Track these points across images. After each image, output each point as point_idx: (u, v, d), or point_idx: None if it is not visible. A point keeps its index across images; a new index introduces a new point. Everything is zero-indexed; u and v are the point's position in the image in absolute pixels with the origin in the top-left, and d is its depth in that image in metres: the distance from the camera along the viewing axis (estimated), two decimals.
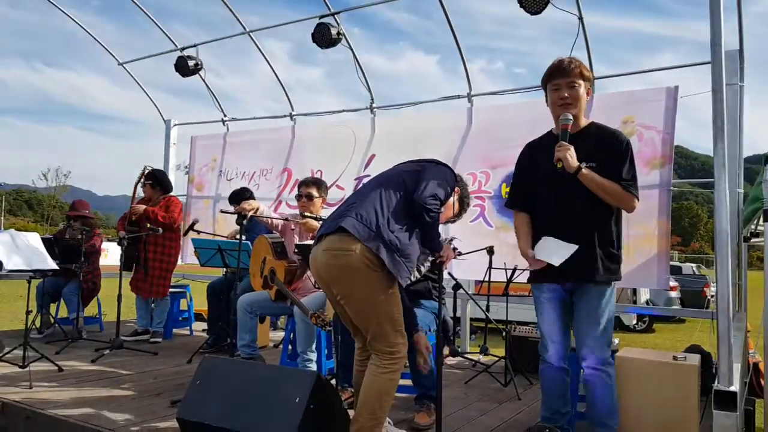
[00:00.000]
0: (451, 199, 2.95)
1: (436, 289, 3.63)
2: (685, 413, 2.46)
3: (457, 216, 3.17)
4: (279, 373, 2.71)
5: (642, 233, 4.67)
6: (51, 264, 4.05)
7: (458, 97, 5.68)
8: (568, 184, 2.53)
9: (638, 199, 2.58)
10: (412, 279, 2.70)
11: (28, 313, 4.04)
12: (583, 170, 2.49)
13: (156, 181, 5.42)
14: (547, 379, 2.69)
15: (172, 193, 5.63)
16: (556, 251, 2.50)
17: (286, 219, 4.09)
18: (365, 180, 5.84)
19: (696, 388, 2.56)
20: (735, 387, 1.64)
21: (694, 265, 19.15)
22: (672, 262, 19.33)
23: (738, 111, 4.33)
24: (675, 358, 2.67)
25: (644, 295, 11.96)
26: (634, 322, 12.18)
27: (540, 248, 2.58)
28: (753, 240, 4.88)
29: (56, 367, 3.95)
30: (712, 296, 10.75)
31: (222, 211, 4.27)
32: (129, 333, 5.38)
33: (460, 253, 3.94)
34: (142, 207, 5.23)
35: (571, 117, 2.57)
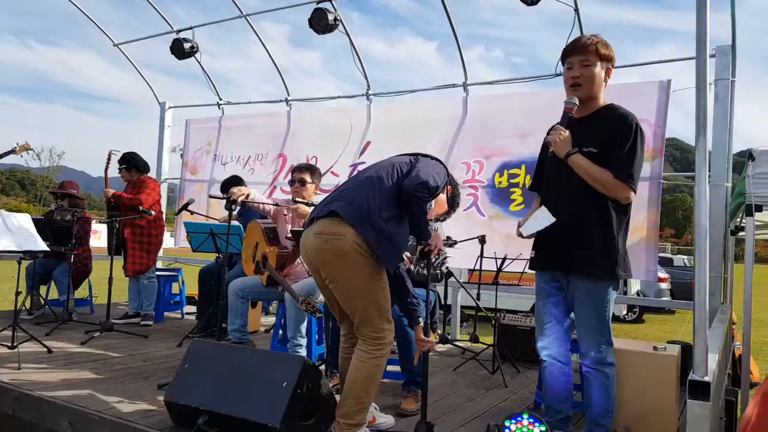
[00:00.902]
0: (443, 196, 2.99)
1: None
2: (663, 402, 2.50)
3: (447, 214, 3.21)
4: (267, 357, 2.74)
5: (631, 225, 4.67)
6: (42, 245, 4.04)
7: (454, 86, 5.68)
8: (569, 170, 2.42)
9: (634, 190, 2.37)
10: (401, 267, 2.71)
11: (17, 294, 4.05)
12: (573, 156, 2.38)
13: (129, 163, 5.40)
14: (544, 373, 2.61)
15: (151, 175, 5.63)
16: (537, 222, 2.45)
17: (277, 204, 4.09)
18: (360, 167, 5.85)
19: (675, 379, 2.60)
20: (709, 377, 1.67)
21: (685, 257, 19.25)
22: (664, 254, 19.52)
23: (729, 105, 4.34)
24: (655, 348, 2.71)
25: (635, 286, 12.04)
26: (624, 312, 12.27)
27: (529, 220, 2.55)
28: (740, 234, 4.92)
29: (45, 349, 3.96)
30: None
31: (211, 196, 4.27)
32: (120, 316, 5.39)
33: (453, 243, 3.97)
34: (111, 191, 5.22)
35: (576, 101, 2.46)
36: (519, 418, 2.38)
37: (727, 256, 4.44)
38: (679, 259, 17.95)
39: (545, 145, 2.62)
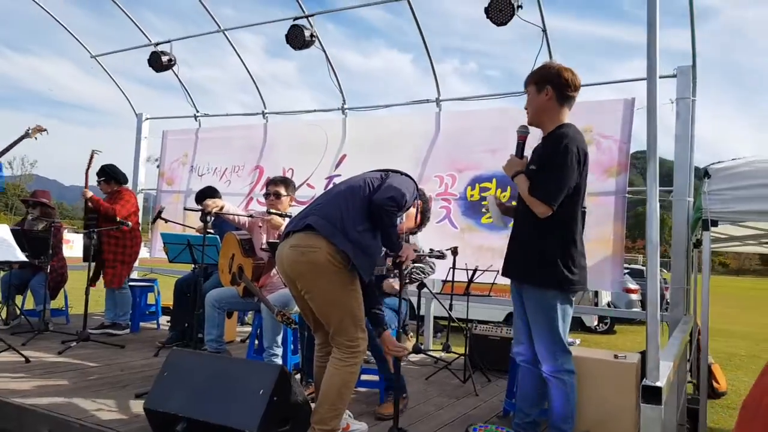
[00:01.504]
0: (413, 210, 3.13)
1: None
2: (623, 408, 2.64)
3: (418, 228, 3.35)
4: (244, 365, 2.84)
5: (598, 237, 4.89)
6: (20, 256, 4.09)
7: (427, 101, 5.85)
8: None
9: (548, 205, 2.45)
10: (374, 276, 2.83)
11: None
12: (516, 177, 2.60)
13: (108, 176, 5.44)
14: (518, 375, 2.74)
15: (128, 186, 5.69)
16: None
17: (251, 216, 4.18)
18: (336, 179, 5.97)
19: (634, 386, 2.75)
20: (661, 383, 1.81)
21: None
22: (635, 266, 19.89)
23: (690, 123, 4.55)
24: (616, 356, 2.86)
25: (605, 297, 12.29)
26: (596, 323, 12.50)
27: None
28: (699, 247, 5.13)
29: (23, 358, 3.99)
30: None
31: (186, 209, 4.36)
32: (96, 326, 5.40)
33: (427, 256, 4.09)
34: (90, 192, 5.25)
35: (526, 128, 2.67)
36: (483, 427, 2.50)
37: (689, 269, 4.63)
38: None
39: None
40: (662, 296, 4.77)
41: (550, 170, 2.47)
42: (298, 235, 2.53)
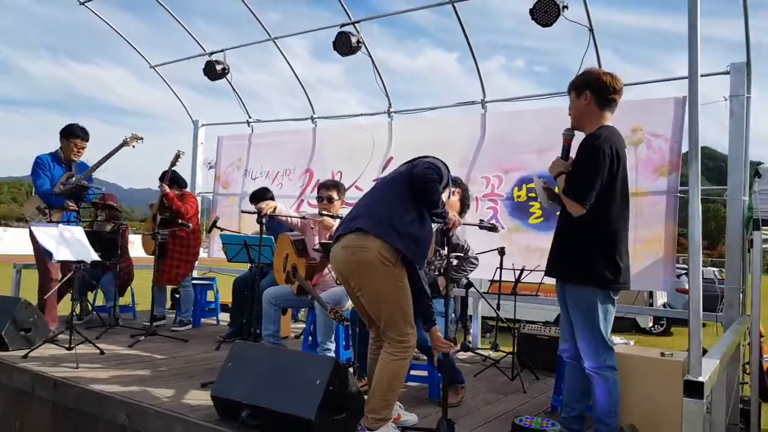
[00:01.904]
0: (455, 198, 3.26)
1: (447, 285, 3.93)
2: (669, 405, 2.67)
3: (460, 214, 3.45)
4: (302, 358, 3.03)
5: (649, 237, 4.87)
6: (94, 256, 4.41)
7: (473, 102, 5.93)
8: None
9: (580, 204, 2.53)
10: (430, 269, 2.98)
11: (73, 300, 4.41)
12: (556, 180, 2.70)
13: (171, 180, 5.75)
14: (565, 372, 2.83)
15: (188, 189, 6.03)
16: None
17: (303, 217, 4.38)
18: None
19: (680, 383, 2.77)
20: (703, 378, 1.88)
21: (716, 269, 19.02)
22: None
23: (744, 121, 4.49)
24: (662, 354, 2.90)
25: (661, 298, 12.01)
26: (651, 324, 12.26)
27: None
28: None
29: (98, 350, 4.30)
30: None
31: (242, 211, 4.61)
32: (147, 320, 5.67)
33: (488, 225, 4.10)
34: (167, 188, 5.59)
35: (571, 132, 2.76)
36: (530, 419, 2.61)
37: (744, 269, 4.56)
38: (709, 272, 17.67)
39: None
40: (721, 297, 4.70)
41: (580, 170, 2.57)
42: (350, 237, 2.70)
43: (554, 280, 2.86)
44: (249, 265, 5.25)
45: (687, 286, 8.21)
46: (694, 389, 1.86)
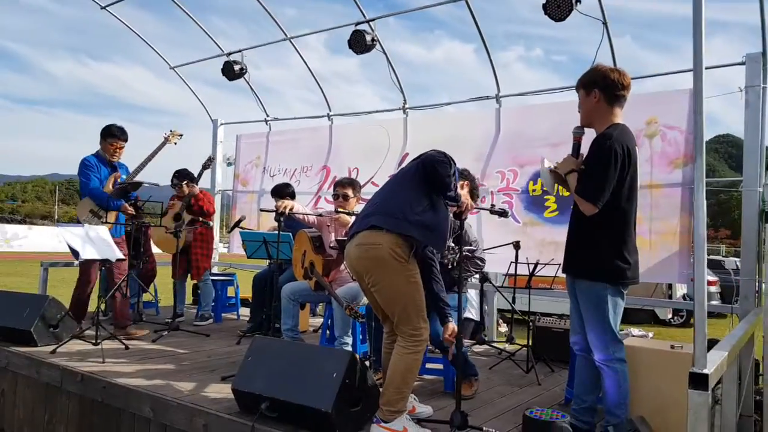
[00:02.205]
0: (464, 190, 3.33)
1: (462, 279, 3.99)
2: (678, 397, 2.70)
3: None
4: (319, 351, 3.11)
5: (664, 229, 4.89)
6: (118, 254, 4.55)
7: (487, 97, 5.96)
8: None
9: (592, 203, 2.57)
10: (447, 258, 3.06)
11: (99, 297, 4.56)
12: (568, 175, 2.72)
13: (189, 178, 5.88)
14: (575, 364, 2.89)
15: (206, 185, 6.23)
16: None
17: (320, 215, 4.48)
18: None
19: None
20: (708, 370, 1.92)
21: (737, 259, 18.74)
22: (714, 257, 19.08)
23: (760, 112, 4.47)
24: (672, 347, 2.93)
25: (681, 290, 11.93)
26: (670, 316, 12.19)
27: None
28: None
29: (123, 346, 4.45)
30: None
31: (261, 210, 4.71)
32: (170, 316, 5.79)
33: (499, 210, 4.13)
34: (197, 189, 5.76)
35: (581, 129, 2.78)
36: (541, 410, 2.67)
37: (760, 261, 4.55)
38: (731, 262, 17.46)
39: None
40: (736, 288, 4.69)
41: (593, 170, 2.60)
42: (363, 234, 2.77)
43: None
44: (268, 261, 5.36)
45: (708, 278, 8.23)
46: (698, 381, 1.90)
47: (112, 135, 5.05)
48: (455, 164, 2.98)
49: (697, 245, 2.13)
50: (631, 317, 11.86)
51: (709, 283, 13.24)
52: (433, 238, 2.84)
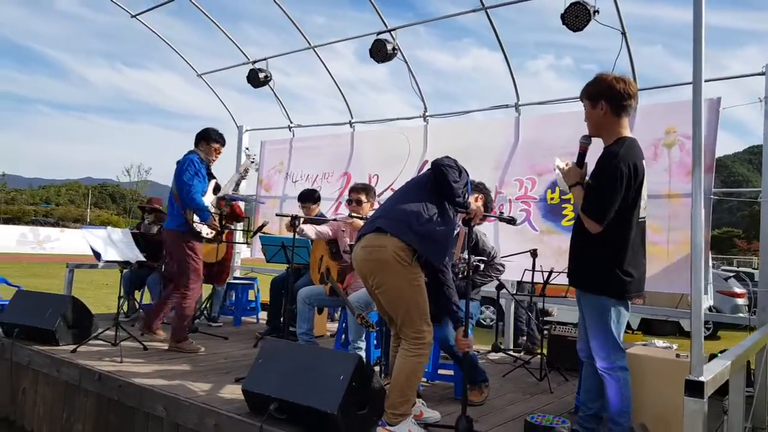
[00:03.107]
0: (478, 203, 3.36)
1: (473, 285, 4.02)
2: (680, 405, 2.68)
3: (482, 219, 3.52)
4: (327, 354, 3.17)
5: (682, 239, 4.84)
6: (139, 256, 4.67)
7: (506, 106, 5.98)
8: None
9: (596, 222, 2.57)
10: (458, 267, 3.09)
11: (120, 298, 4.69)
12: (573, 188, 2.72)
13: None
14: (583, 371, 2.90)
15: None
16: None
17: (334, 219, 4.56)
18: None
19: None
20: (704, 378, 1.93)
21: None
22: (746, 269, 18.62)
23: None
24: (678, 356, 2.92)
25: (706, 302, 11.66)
26: None
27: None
28: None
29: (142, 346, 4.56)
30: None
31: (278, 215, 4.77)
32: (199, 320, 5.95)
33: (508, 218, 4.14)
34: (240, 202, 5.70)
35: (588, 139, 2.76)
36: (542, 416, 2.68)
37: None
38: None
39: None
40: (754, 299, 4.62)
41: (600, 190, 2.59)
42: (369, 236, 2.83)
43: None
44: (286, 265, 5.45)
45: (735, 289, 8.18)
46: (694, 388, 1.91)
47: (215, 139, 4.94)
48: (467, 173, 3.02)
49: (694, 254, 2.14)
50: (657, 329, 11.68)
51: (737, 296, 12.97)
52: (434, 249, 2.85)
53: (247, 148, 5.48)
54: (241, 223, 5.84)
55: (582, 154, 2.76)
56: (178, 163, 4.78)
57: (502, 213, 4.10)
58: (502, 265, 4.17)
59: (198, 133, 4.98)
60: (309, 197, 5.58)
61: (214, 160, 4.97)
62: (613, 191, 2.54)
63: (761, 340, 3.21)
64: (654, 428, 2.54)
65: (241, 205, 5.77)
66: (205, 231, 4.66)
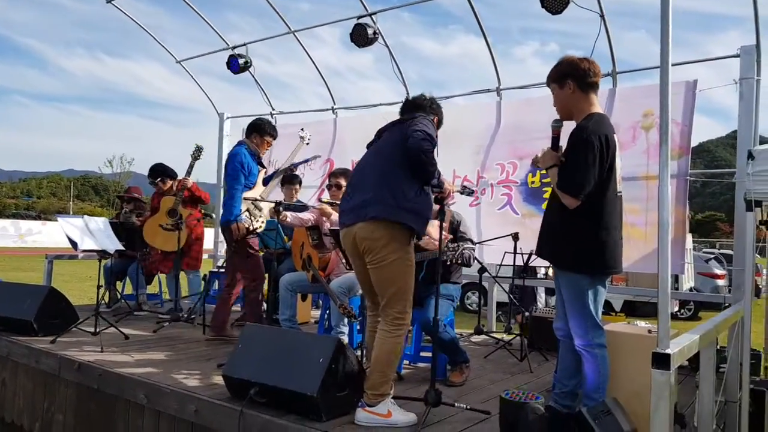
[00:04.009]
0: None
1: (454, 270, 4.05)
2: None
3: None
4: (307, 338, 3.19)
5: (657, 222, 4.89)
6: (118, 245, 4.64)
7: (487, 91, 5.99)
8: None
9: (573, 196, 2.59)
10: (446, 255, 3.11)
11: (99, 287, 4.66)
12: (548, 173, 2.74)
13: (165, 174, 5.91)
14: (560, 350, 2.92)
15: (212, 180, 6.24)
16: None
17: (306, 207, 4.57)
18: None
19: None
20: (670, 350, 1.97)
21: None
22: (727, 251, 18.93)
23: (753, 104, 4.48)
24: (650, 332, 2.96)
25: (687, 283, 11.86)
26: (676, 309, 12.14)
27: None
28: None
29: (123, 335, 4.54)
30: (763, 285, 10.62)
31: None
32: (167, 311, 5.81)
33: (470, 192, 4.11)
34: (191, 181, 5.69)
35: (560, 123, 2.77)
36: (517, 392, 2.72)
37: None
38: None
39: None
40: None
41: (574, 164, 2.61)
42: (365, 225, 2.81)
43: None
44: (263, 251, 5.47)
45: (715, 271, 8.30)
46: (661, 361, 1.95)
47: (269, 133, 4.85)
48: (434, 106, 3.16)
49: (661, 234, 2.17)
50: (639, 311, 11.84)
51: (718, 277, 13.20)
52: (422, 223, 2.90)
53: (302, 129, 5.40)
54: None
55: (556, 138, 2.76)
56: (227, 155, 4.74)
57: (464, 186, 4.09)
58: (472, 241, 4.18)
59: (249, 124, 4.89)
60: (290, 182, 5.63)
61: (263, 153, 4.92)
62: (586, 163, 2.56)
63: (732, 317, 3.27)
64: (628, 404, 2.58)
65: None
66: (256, 224, 4.62)
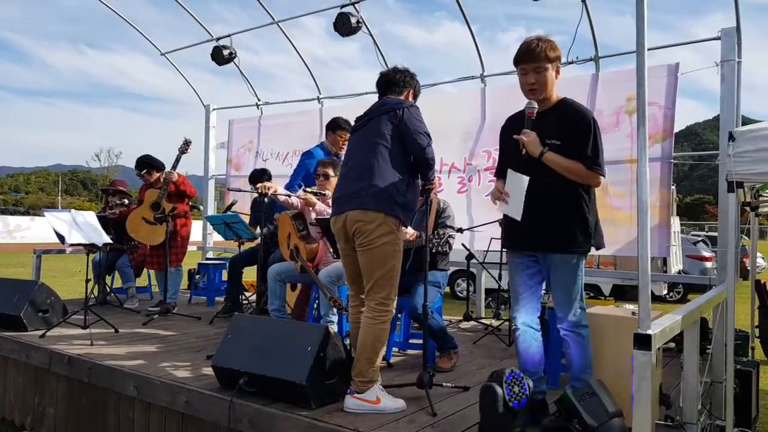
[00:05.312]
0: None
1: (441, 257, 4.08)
2: None
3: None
4: (295, 327, 3.21)
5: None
6: (106, 238, 4.63)
7: (472, 77, 6.00)
8: (537, 166, 2.67)
9: (604, 176, 2.67)
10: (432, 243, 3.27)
11: (87, 281, 4.65)
12: (546, 155, 2.64)
13: (150, 166, 5.81)
14: (518, 341, 2.86)
15: (199, 171, 6.19)
16: (516, 206, 2.71)
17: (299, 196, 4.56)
18: None
19: None
20: (651, 331, 2.00)
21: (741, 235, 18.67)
22: (713, 234, 19.11)
23: (735, 86, 4.52)
24: (633, 313, 3.00)
25: (676, 266, 11.95)
26: (665, 292, 12.25)
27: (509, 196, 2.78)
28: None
29: (113, 329, 4.55)
30: (750, 267, 10.74)
31: (229, 189, 4.65)
32: (155, 303, 5.79)
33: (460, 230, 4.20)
34: (176, 175, 5.57)
35: (535, 105, 2.73)
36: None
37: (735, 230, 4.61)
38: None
39: (503, 138, 2.99)
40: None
41: (593, 144, 2.65)
42: (358, 212, 2.85)
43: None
44: (237, 242, 5.52)
45: (703, 253, 8.36)
46: (642, 342, 1.98)
47: (342, 127, 4.93)
48: (413, 80, 3.35)
49: (640, 213, 2.20)
50: (628, 294, 11.93)
51: (705, 259, 13.31)
52: (409, 215, 3.03)
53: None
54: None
55: (532, 120, 2.74)
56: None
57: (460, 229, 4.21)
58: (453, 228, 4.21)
59: (327, 124, 5.17)
60: (258, 179, 5.56)
61: (341, 148, 4.98)
62: (601, 142, 2.69)
63: (716, 297, 3.31)
64: (613, 386, 2.61)
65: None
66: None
